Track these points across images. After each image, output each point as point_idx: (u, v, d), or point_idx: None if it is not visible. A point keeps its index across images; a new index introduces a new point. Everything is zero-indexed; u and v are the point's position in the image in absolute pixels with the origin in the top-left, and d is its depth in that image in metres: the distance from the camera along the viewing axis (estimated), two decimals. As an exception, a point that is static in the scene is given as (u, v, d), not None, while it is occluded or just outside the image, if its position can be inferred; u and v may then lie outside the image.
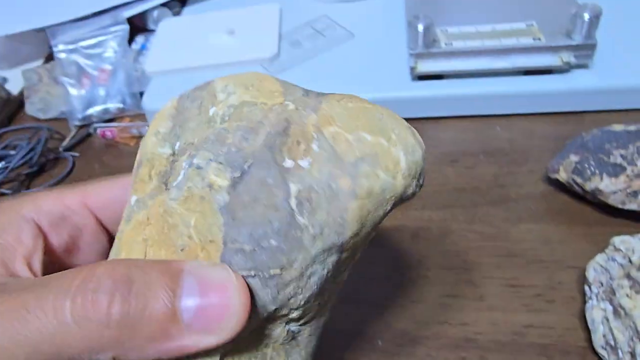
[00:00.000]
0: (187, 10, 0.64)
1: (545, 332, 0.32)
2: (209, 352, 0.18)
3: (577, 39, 0.42)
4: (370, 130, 0.20)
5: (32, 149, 0.49)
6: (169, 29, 0.59)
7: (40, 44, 0.65)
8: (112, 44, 0.56)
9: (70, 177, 0.49)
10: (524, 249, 0.36)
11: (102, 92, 0.54)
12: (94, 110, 0.54)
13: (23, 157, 0.49)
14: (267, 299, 0.19)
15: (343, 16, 0.57)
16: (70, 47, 0.56)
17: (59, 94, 0.56)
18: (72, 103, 0.54)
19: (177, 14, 0.64)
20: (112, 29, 0.56)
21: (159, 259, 0.20)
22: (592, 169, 0.35)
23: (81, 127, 0.54)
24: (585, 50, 0.43)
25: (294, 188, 0.19)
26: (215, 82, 0.23)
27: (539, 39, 0.44)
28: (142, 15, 0.62)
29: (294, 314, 0.20)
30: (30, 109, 0.56)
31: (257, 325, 0.20)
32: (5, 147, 0.53)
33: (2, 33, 0.59)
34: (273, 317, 0.20)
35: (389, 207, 0.20)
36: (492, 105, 0.46)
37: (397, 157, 0.20)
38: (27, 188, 0.49)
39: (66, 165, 0.50)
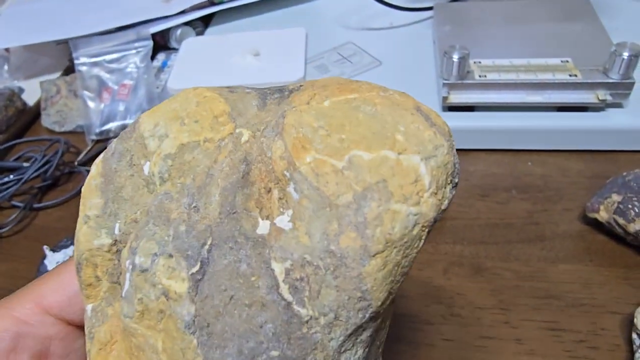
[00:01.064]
0: (210, 30, 0.63)
1: (590, 382, 0.30)
2: None
3: (615, 76, 0.42)
4: (365, 140, 0.14)
5: (47, 162, 0.48)
6: (192, 48, 0.58)
7: (59, 57, 0.64)
8: (134, 60, 0.55)
9: (85, 193, 0.48)
10: (563, 290, 0.35)
11: (121, 107, 0.53)
12: (113, 125, 0.52)
13: (37, 169, 0.47)
14: None
15: (369, 43, 0.56)
16: (93, 60, 0.55)
17: (77, 107, 0.55)
18: (91, 117, 0.53)
19: (200, 33, 0.63)
20: (136, 44, 0.56)
21: None
22: (637, 210, 0.34)
23: (98, 141, 0.53)
24: (622, 89, 0.42)
25: (279, 268, 0.14)
26: (142, 122, 0.18)
27: (575, 75, 0.43)
28: (165, 33, 0.62)
29: None
30: (46, 121, 0.55)
31: None
32: (18, 159, 0.51)
33: (25, 42, 0.58)
34: None
35: (422, 242, 0.15)
36: (523, 140, 0.45)
37: (415, 169, 0.14)
38: (39, 202, 0.47)
39: (81, 180, 0.49)
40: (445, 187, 0.15)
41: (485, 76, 0.44)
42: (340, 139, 0.14)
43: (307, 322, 0.14)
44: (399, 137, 0.15)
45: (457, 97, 0.45)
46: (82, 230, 0.18)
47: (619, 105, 0.44)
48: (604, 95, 0.43)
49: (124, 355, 0.16)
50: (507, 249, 0.38)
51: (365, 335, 0.15)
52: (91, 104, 0.53)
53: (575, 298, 0.34)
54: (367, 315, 0.14)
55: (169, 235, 0.15)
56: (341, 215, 0.14)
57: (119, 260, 0.17)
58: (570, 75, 0.43)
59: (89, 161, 0.51)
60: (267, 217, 0.14)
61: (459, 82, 0.44)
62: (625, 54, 0.41)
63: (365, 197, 0.14)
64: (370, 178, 0.14)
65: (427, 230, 0.15)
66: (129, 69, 0.55)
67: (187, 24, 0.62)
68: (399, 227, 0.14)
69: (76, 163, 0.50)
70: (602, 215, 0.36)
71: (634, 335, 0.30)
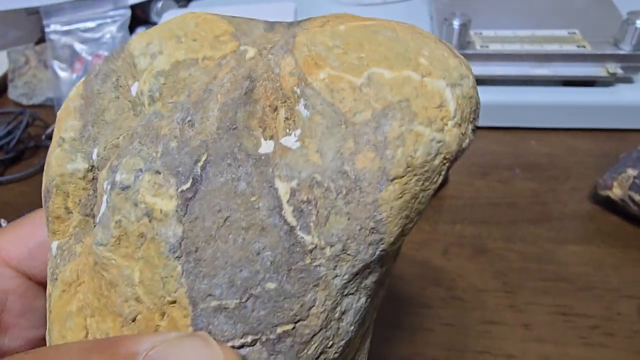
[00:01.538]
0: (194, 4, 0.60)
1: (607, 371, 0.27)
2: None
3: (627, 48, 0.39)
4: (386, 59, 0.13)
5: (9, 133, 0.44)
6: (173, 20, 0.54)
7: (30, 29, 0.60)
8: (111, 29, 0.51)
9: (51, 167, 0.44)
10: (573, 273, 0.31)
11: (95, 79, 0.49)
12: (85, 97, 0.48)
13: (-1, 141, 0.43)
14: None
15: (362, 19, 0.53)
16: (65, 28, 0.51)
17: (47, 79, 0.51)
18: (61, 89, 0.49)
19: (183, 7, 0.60)
20: (113, 13, 0.52)
21: (99, 341, 0.13)
22: (655, 185, 0.31)
23: (68, 115, 0.49)
24: (634, 62, 0.39)
25: (283, 187, 0.12)
26: (132, 41, 0.16)
27: (584, 47, 0.40)
28: (145, 6, 0.58)
29: None
30: (13, 93, 0.51)
31: None
32: (-20, 132, 0.47)
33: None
34: None
35: (440, 178, 0.13)
36: (526, 117, 0.42)
37: (440, 93, 0.13)
38: (1, 175, 0.43)
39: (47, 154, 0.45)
40: (468, 123, 0.14)
41: (488, 47, 0.41)
42: (358, 57, 0.13)
43: (311, 251, 0.12)
44: (422, 61, 0.13)
45: (456, 69, 0.41)
46: (54, 153, 0.16)
47: (629, 80, 0.41)
48: (614, 68, 0.40)
49: (90, 297, 0.14)
50: (511, 230, 0.34)
51: (370, 280, 0.13)
52: (62, 75, 0.49)
53: (587, 281, 0.31)
54: (378, 252, 0.12)
55: (157, 152, 0.13)
56: (358, 133, 0.12)
57: (94, 191, 0.15)
58: (578, 47, 0.40)
59: (58, 135, 0.47)
60: (271, 138, 0.13)
61: (460, 52, 0.40)
62: (639, 23, 0.38)
63: (386, 115, 0.12)
64: (392, 97, 0.13)
65: (447, 164, 0.14)
66: (104, 40, 0.51)
67: (169, -4, 0.58)
68: (422, 151, 0.13)
69: (43, 137, 0.46)
70: (616, 192, 0.33)
71: (656, 320, 0.27)
